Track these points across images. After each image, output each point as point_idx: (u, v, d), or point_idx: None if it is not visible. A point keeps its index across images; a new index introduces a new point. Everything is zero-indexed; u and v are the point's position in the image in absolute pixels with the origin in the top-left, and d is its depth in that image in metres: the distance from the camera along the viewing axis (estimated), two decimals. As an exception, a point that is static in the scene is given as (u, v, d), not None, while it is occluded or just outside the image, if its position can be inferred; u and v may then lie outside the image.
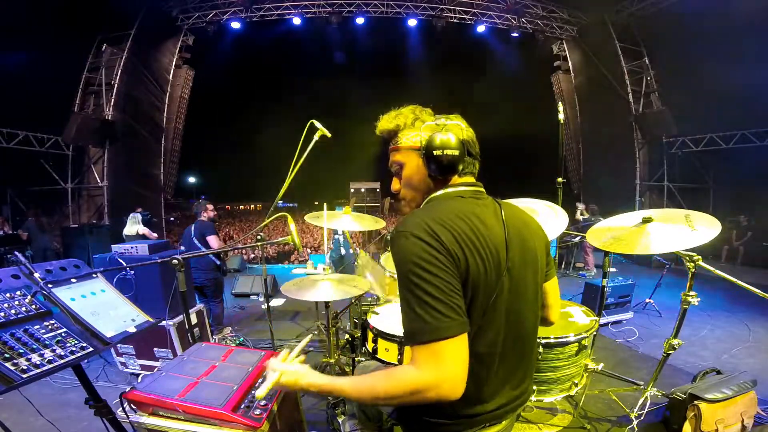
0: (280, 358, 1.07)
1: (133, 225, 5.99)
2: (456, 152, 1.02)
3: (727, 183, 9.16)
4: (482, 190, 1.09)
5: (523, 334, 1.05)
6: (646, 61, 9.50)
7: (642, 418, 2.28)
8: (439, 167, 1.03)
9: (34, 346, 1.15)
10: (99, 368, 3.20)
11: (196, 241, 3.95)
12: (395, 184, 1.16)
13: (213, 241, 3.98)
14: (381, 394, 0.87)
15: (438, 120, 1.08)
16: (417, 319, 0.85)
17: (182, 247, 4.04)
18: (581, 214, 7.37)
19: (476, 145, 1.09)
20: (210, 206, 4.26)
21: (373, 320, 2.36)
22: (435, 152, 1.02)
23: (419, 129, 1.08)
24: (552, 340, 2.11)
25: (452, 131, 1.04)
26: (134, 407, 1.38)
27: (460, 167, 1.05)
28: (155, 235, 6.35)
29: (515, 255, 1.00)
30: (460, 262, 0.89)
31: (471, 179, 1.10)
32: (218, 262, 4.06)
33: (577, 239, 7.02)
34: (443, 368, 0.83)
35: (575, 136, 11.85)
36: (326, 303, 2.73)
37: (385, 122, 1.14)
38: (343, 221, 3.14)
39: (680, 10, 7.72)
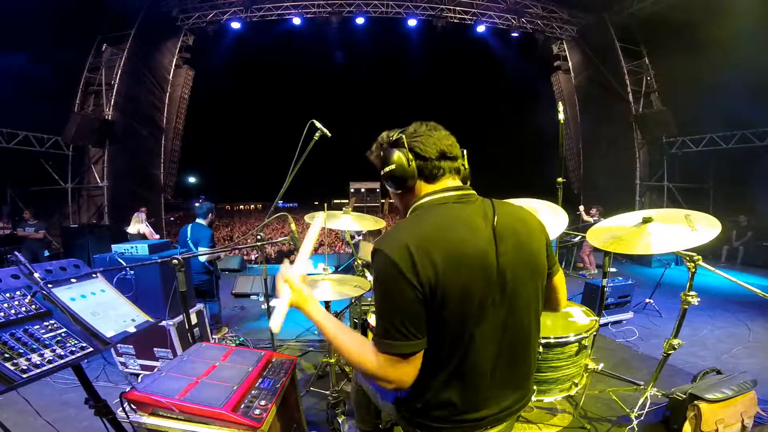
0: (289, 268, 1.11)
1: (136, 224, 6.03)
2: (393, 166, 1.05)
3: (727, 183, 9.16)
4: (469, 192, 1.08)
5: (522, 337, 1.04)
6: (646, 61, 9.51)
7: (642, 418, 2.28)
8: (393, 182, 1.08)
9: (34, 346, 1.15)
10: (99, 368, 3.20)
11: (191, 245, 3.92)
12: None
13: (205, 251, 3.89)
14: (348, 357, 1.00)
15: (389, 139, 1.10)
16: (382, 332, 0.95)
17: (177, 246, 4.02)
18: (585, 215, 7.34)
19: (434, 147, 1.05)
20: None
21: (373, 320, 2.36)
22: (382, 172, 1.09)
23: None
24: (552, 340, 2.11)
25: (395, 146, 1.07)
26: (134, 407, 1.39)
27: (412, 177, 1.06)
28: (157, 236, 6.37)
29: (509, 256, 0.98)
30: (432, 281, 0.91)
31: (452, 182, 1.09)
32: (210, 267, 4.04)
33: (577, 239, 7.02)
34: (395, 373, 0.95)
35: (575, 136, 11.84)
36: (326, 303, 2.73)
37: (371, 158, 1.21)
38: (343, 221, 3.14)
39: (680, 10, 7.72)
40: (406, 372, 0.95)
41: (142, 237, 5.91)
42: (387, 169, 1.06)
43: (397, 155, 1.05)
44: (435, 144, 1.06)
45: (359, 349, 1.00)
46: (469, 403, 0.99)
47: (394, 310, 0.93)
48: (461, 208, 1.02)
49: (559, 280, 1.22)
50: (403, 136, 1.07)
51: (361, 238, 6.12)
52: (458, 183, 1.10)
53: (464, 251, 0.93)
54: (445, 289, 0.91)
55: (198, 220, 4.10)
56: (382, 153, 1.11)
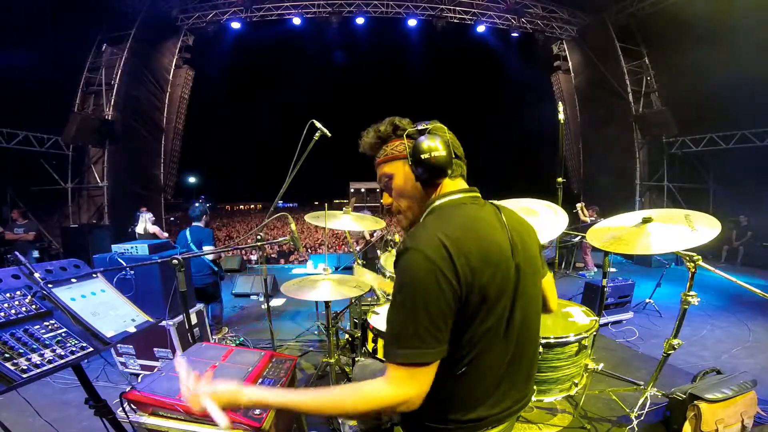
0: (190, 379, 0.93)
1: (143, 224, 6.01)
2: (443, 153, 1.01)
3: (727, 183, 9.15)
4: (479, 195, 1.09)
5: (528, 338, 1.05)
6: (646, 61, 9.51)
7: (642, 418, 2.28)
8: (428, 170, 1.02)
9: (34, 346, 1.15)
10: (99, 368, 3.20)
11: (193, 247, 3.89)
12: (386, 199, 1.15)
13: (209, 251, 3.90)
14: (349, 410, 0.88)
15: (419, 126, 1.07)
16: (405, 339, 0.85)
17: (177, 247, 4.01)
18: (583, 215, 7.28)
19: (460, 147, 1.09)
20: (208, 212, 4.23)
21: (373, 320, 2.36)
22: (422, 156, 1.01)
23: (402, 137, 1.06)
24: (552, 340, 2.11)
25: (436, 134, 1.04)
26: (134, 407, 1.39)
27: (449, 170, 1.04)
28: (165, 234, 6.37)
29: (520, 258, 0.99)
30: (468, 279, 0.88)
31: (464, 184, 1.10)
32: (215, 268, 4.04)
33: (577, 239, 7.00)
34: (417, 389, 0.86)
35: (575, 136, 11.85)
36: (326, 303, 2.73)
37: (368, 138, 1.11)
38: (343, 221, 3.14)
39: (680, 9, 7.72)
40: (424, 384, 0.86)
41: (152, 236, 5.88)
42: (435, 153, 0.99)
43: (443, 143, 1.01)
44: (459, 145, 1.09)
45: (352, 389, 0.89)
46: (472, 403, 0.99)
47: (423, 311, 0.84)
48: (478, 209, 1.03)
49: (548, 280, 1.24)
50: (444, 128, 1.06)
51: (370, 238, 6.09)
52: (467, 185, 1.11)
53: (491, 250, 0.93)
54: (476, 288, 0.89)
55: (195, 223, 4.10)
56: (408, 138, 1.05)
